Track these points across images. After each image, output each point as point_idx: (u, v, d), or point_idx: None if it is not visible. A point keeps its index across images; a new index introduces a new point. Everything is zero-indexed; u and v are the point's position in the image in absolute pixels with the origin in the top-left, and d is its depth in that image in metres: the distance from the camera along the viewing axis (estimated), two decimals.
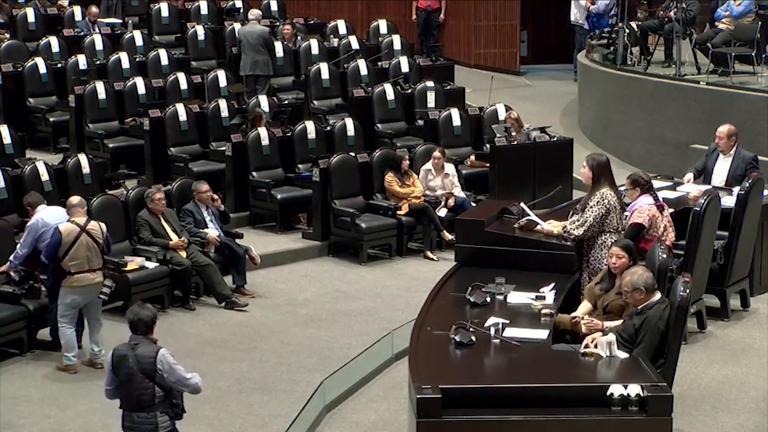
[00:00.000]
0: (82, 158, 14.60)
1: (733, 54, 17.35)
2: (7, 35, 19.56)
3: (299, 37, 20.02)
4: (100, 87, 17.15)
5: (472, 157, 16.66)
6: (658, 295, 9.07)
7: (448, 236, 14.55)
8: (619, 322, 9.20)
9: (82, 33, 19.82)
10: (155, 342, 8.37)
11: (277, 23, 20.97)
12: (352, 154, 15.42)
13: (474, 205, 14.92)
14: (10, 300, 11.62)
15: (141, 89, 17.43)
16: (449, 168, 15.48)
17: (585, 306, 9.79)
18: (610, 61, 19.17)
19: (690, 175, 13.37)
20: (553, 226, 10.76)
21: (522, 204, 11.28)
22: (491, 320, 9.06)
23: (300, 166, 15.78)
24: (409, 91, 18.10)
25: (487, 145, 16.59)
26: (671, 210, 11.48)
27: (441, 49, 22.59)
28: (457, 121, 16.99)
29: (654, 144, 17.63)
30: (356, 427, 10.30)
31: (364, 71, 18.79)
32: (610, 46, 19.61)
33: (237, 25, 19.94)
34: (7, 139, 15.40)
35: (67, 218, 11.51)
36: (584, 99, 20.03)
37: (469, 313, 9.39)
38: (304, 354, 11.88)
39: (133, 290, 12.60)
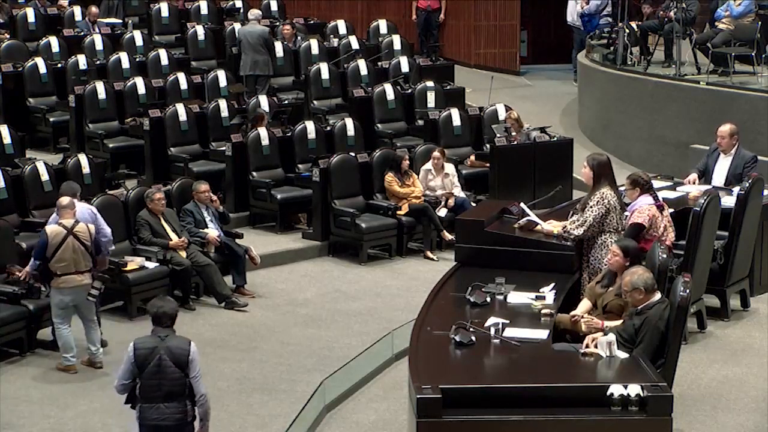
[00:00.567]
0: (82, 158, 14.60)
1: (733, 54, 17.35)
2: (7, 35, 19.56)
3: (299, 37, 20.02)
4: (100, 87, 17.15)
5: (472, 157, 16.67)
6: (658, 295, 9.08)
7: (448, 236, 14.55)
8: (619, 322, 9.20)
9: (82, 33, 19.82)
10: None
11: (277, 23, 20.98)
12: (352, 154, 15.42)
13: (474, 205, 14.92)
14: (10, 300, 11.63)
15: (141, 89, 17.44)
16: (449, 168, 15.48)
17: (585, 304, 9.80)
18: (610, 61, 19.17)
19: (694, 176, 13.34)
20: (553, 226, 10.76)
21: (522, 204, 11.28)
22: (491, 320, 9.06)
23: (300, 166, 15.79)
24: (409, 91, 18.11)
25: (487, 145, 16.59)
26: (671, 210, 11.47)
27: (441, 49, 22.60)
28: (457, 121, 16.99)
29: (654, 144, 17.63)
30: (356, 427, 10.30)
31: (364, 71, 18.79)
32: (610, 46, 19.62)
33: (237, 25, 19.95)
34: (7, 139, 15.41)
35: (88, 213, 11.62)
36: (584, 99, 20.03)
37: (469, 313, 9.39)
38: (304, 354, 11.88)
39: (133, 290, 12.63)
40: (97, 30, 19.99)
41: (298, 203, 15.46)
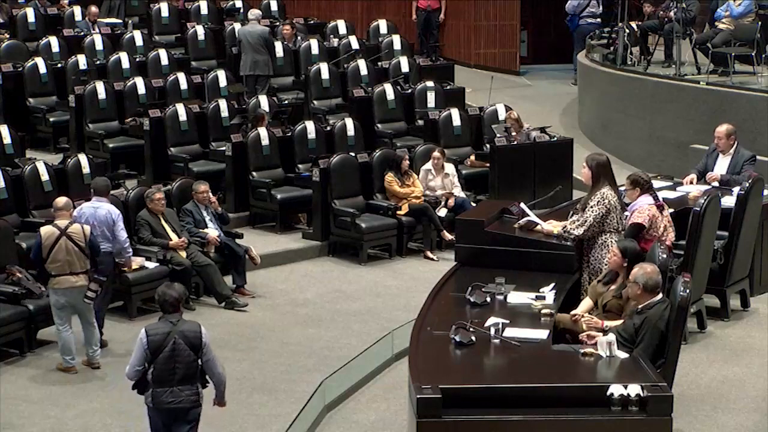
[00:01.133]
0: (82, 158, 14.60)
1: (733, 54, 17.35)
2: (7, 35, 19.58)
3: (299, 37, 20.02)
4: (100, 87, 17.16)
5: (472, 157, 16.67)
6: (659, 296, 9.08)
7: (448, 236, 14.55)
8: (619, 322, 9.21)
9: (82, 33, 19.83)
10: None
11: (277, 23, 20.98)
12: (352, 154, 15.42)
13: (474, 205, 14.92)
14: (10, 300, 11.63)
15: (141, 89, 17.44)
16: (449, 168, 15.48)
17: (586, 303, 9.82)
18: (610, 61, 19.17)
19: (693, 176, 13.36)
20: (553, 226, 10.76)
21: (522, 204, 11.28)
22: (491, 320, 9.06)
23: (300, 166, 15.79)
24: (409, 91, 18.10)
25: (487, 145, 16.58)
26: (671, 210, 11.47)
27: (441, 49, 22.61)
28: (457, 121, 16.99)
29: (654, 144, 17.63)
30: (356, 427, 10.30)
31: (364, 71, 18.79)
32: (610, 46, 19.62)
33: (237, 25, 19.94)
34: (7, 139, 15.42)
35: (100, 206, 11.72)
36: (584, 99, 20.04)
37: (469, 313, 9.39)
38: (304, 354, 11.88)
39: (133, 290, 12.63)
40: (97, 30, 19.99)
41: (298, 203, 15.46)
